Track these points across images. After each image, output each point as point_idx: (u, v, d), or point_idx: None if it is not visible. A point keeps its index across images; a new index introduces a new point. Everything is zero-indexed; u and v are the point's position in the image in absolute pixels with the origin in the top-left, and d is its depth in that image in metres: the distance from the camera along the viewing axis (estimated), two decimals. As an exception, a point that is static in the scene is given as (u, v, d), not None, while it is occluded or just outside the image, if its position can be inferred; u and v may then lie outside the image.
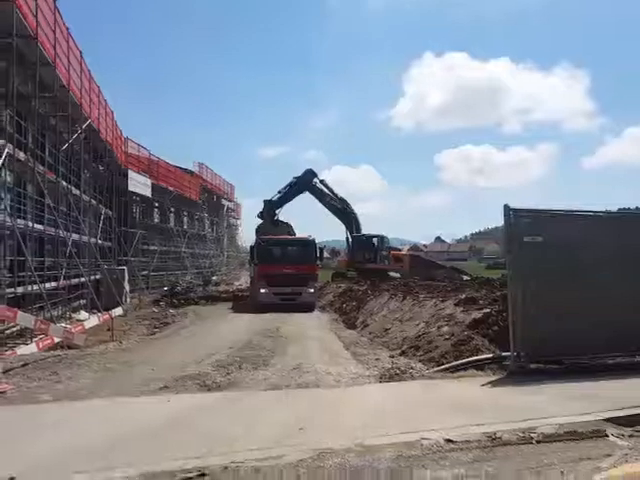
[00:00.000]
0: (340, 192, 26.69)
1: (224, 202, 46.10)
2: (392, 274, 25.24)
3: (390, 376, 6.51)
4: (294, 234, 22.92)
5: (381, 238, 26.50)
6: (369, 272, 24.33)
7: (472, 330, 7.80)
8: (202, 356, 8.34)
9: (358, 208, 29.35)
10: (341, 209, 26.39)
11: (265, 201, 25.25)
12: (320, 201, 26.08)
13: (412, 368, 6.88)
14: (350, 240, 26.93)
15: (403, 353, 8.40)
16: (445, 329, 8.55)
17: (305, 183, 25.72)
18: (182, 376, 6.64)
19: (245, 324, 13.61)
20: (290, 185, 25.59)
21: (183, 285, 25.01)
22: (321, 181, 26.39)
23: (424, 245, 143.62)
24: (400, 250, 31.08)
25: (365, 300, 15.72)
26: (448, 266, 34.45)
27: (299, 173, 26.00)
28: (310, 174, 25.74)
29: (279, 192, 25.54)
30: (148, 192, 25.23)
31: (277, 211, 25.38)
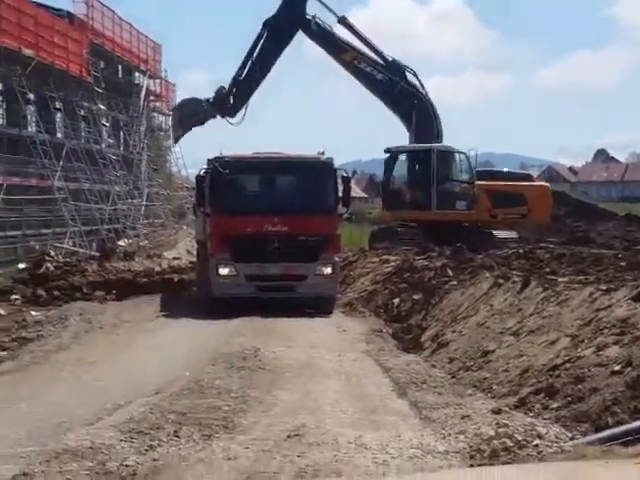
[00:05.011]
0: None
1: (140, 79, 45.85)
2: (499, 233, 25.29)
3: (492, 455, 6.59)
4: None
5: (465, 157, 26.78)
6: (452, 228, 24.57)
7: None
8: (99, 408, 8.55)
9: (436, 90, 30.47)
10: (384, 82, 27.41)
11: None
12: (344, 62, 27.60)
13: (540, 437, 6.95)
14: (409, 157, 27.54)
15: (522, 403, 8.56)
16: (613, 351, 8.64)
17: (291, 18, 27.06)
18: (57, 452, 6.80)
19: (188, 341, 13.76)
20: (266, 29, 27.00)
21: (58, 258, 25.26)
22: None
23: (570, 168, 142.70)
24: (517, 178, 30.51)
25: (440, 290, 15.90)
26: (621, 215, 34.28)
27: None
28: None
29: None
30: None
31: (239, 97, 27.23)
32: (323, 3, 27.52)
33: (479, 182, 26.37)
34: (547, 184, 30.64)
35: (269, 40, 27.09)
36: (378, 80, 27.49)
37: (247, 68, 27.22)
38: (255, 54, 27.20)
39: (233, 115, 27.89)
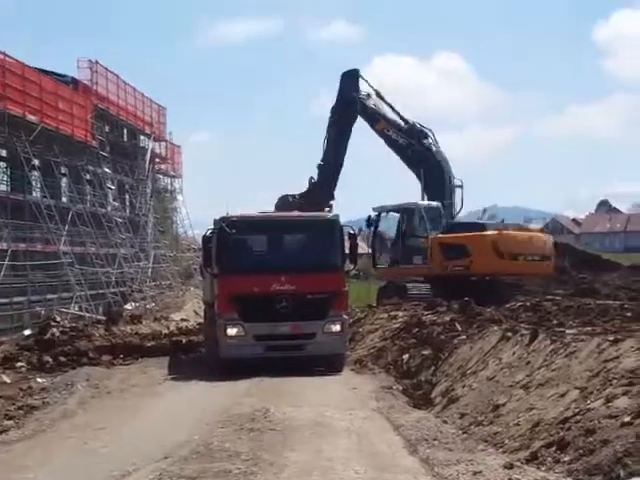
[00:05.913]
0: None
1: (145, 142, 46.36)
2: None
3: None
4: None
5: (426, 212, 27.51)
6: (459, 283, 24.69)
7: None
8: (105, 476, 8.55)
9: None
10: (404, 145, 30.02)
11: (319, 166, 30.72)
12: (376, 130, 30.58)
13: (552, 492, 6.93)
14: (387, 216, 29.42)
15: (533, 458, 8.46)
16: (623, 402, 8.59)
17: (346, 101, 30.49)
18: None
19: (196, 404, 13.65)
20: (332, 117, 30.67)
21: (64, 323, 25.20)
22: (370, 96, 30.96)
23: (573, 220, 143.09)
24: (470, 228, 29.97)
25: (449, 345, 15.83)
26: (626, 265, 34.19)
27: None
28: (349, 78, 30.82)
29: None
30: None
31: (328, 182, 30.69)
32: (369, 83, 30.88)
33: (440, 236, 26.60)
34: (490, 232, 29.15)
35: (337, 125, 30.38)
36: (399, 144, 30.01)
37: (328, 154, 30.41)
38: (331, 140, 30.43)
39: (332, 199, 30.59)
